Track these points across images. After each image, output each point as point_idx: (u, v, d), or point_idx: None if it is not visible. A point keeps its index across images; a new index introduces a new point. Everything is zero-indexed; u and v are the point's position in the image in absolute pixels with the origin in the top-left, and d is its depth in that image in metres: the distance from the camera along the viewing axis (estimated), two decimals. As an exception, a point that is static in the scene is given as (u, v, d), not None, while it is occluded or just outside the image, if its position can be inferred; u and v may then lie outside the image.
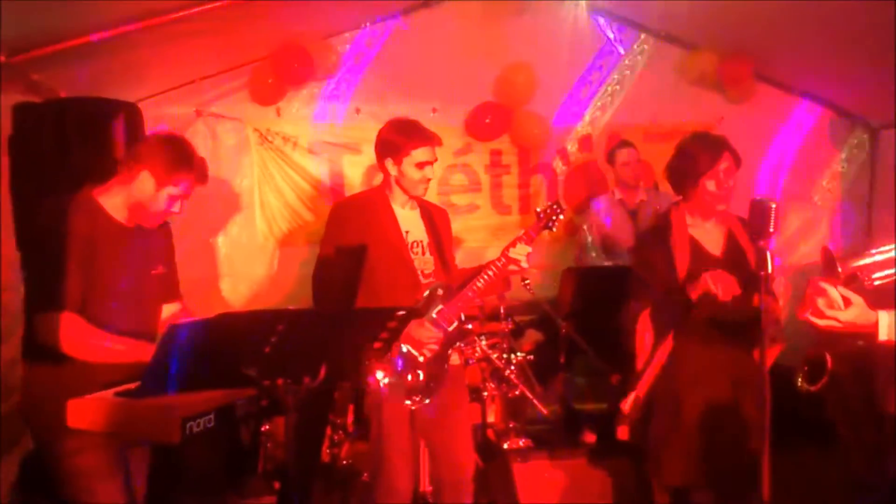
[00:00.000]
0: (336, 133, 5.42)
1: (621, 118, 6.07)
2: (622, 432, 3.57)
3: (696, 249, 3.40)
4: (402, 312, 2.75)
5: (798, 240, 6.22)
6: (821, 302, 2.37)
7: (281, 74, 5.09)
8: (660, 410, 3.41)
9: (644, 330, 3.39)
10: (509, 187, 6.00)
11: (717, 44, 5.80)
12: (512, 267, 3.49)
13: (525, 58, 5.59)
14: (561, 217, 3.57)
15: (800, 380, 4.27)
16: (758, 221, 2.63)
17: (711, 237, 3.47)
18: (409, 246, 3.54)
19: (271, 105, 5.22)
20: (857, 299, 2.39)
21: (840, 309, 2.37)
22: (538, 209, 3.62)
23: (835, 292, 2.36)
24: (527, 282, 4.93)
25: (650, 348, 3.39)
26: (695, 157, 3.39)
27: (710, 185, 3.35)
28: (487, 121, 5.71)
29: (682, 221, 3.46)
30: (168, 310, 3.17)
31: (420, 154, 3.46)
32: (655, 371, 3.40)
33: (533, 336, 5.69)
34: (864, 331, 2.44)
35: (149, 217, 3.00)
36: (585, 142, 6.11)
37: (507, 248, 3.49)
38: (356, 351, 2.84)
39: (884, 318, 2.43)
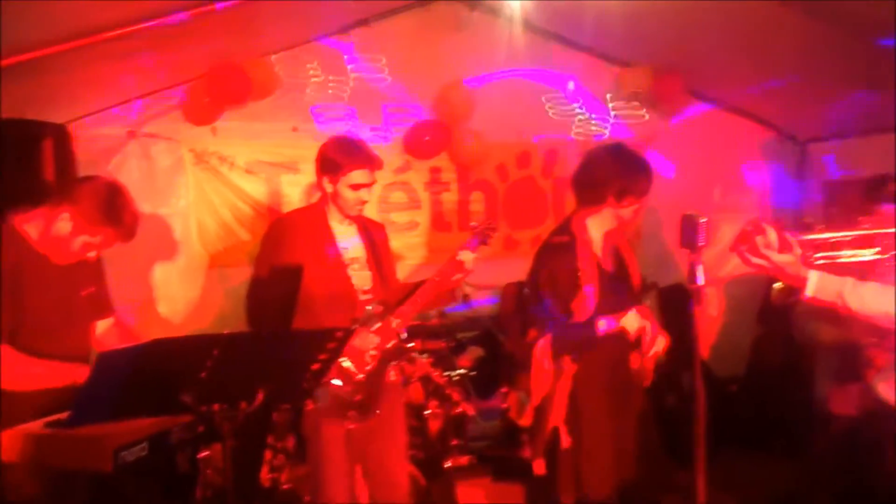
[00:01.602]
0: (273, 152, 5.37)
1: (558, 134, 6.13)
2: (538, 467, 3.55)
3: (598, 266, 3.46)
4: (340, 333, 2.74)
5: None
6: (759, 240, 2.46)
7: (217, 93, 5.03)
8: (571, 433, 3.44)
9: (543, 357, 3.41)
10: (449, 204, 6.01)
11: (649, 61, 5.92)
12: (457, 275, 3.50)
13: (463, 75, 5.62)
14: (495, 232, 3.59)
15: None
16: (688, 236, 2.68)
17: (605, 252, 3.54)
18: (348, 263, 3.53)
19: (207, 125, 5.15)
20: (795, 247, 2.47)
21: (774, 250, 2.45)
22: (472, 224, 3.65)
23: (773, 234, 2.44)
24: (467, 297, 4.97)
25: (551, 376, 3.41)
26: (610, 169, 3.45)
27: (623, 197, 3.43)
28: (426, 139, 5.73)
29: (587, 236, 3.50)
30: (102, 325, 3.13)
31: (357, 176, 3.45)
32: (564, 400, 3.42)
33: (475, 352, 5.70)
34: (792, 282, 2.53)
35: (59, 255, 2.95)
36: (524, 158, 6.17)
37: (451, 257, 3.52)
38: (295, 373, 2.81)
39: (813, 275, 2.52)
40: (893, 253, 2.66)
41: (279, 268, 3.40)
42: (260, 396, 2.61)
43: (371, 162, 3.49)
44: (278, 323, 3.32)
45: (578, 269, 3.40)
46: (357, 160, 3.46)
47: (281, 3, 4.36)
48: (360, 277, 3.56)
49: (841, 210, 3.54)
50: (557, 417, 3.43)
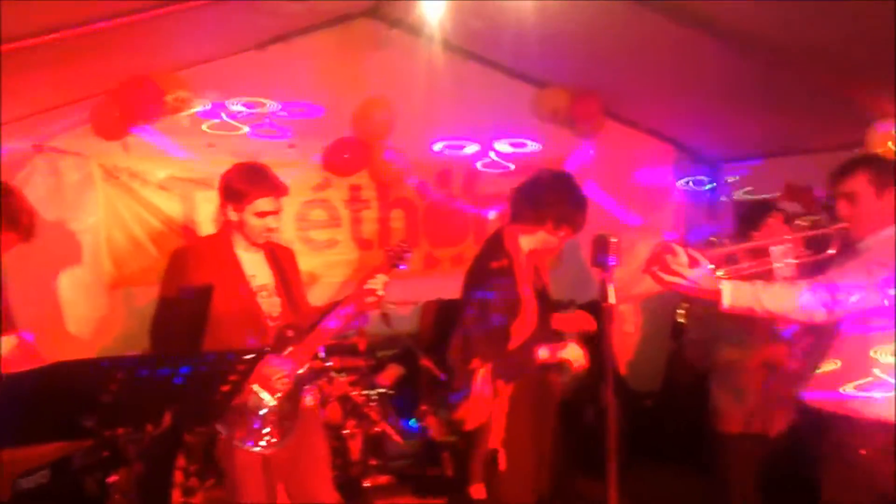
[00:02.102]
0: (188, 168, 5.27)
1: (477, 153, 6.18)
2: (477, 491, 3.53)
3: (533, 287, 3.50)
4: (250, 355, 2.69)
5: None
6: (670, 259, 2.52)
7: (128, 108, 4.91)
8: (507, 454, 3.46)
9: (484, 385, 3.41)
10: (369, 222, 5.99)
11: (567, 81, 6.01)
12: (369, 299, 3.47)
13: (383, 93, 5.62)
14: (409, 254, 3.55)
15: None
16: (600, 255, 2.72)
17: (531, 271, 3.59)
18: (256, 290, 3.46)
19: (117, 140, 5.02)
20: (703, 262, 2.55)
21: (686, 266, 2.52)
22: (386, 247, 3.61)
23: (682, 251, 2.52)
24: (386, 316, 4.94)
25: (490, 403, 3.42)
26: (557, 195, 3.50)
27: (560, 225, 3.48)
28: (346, 156, 5.70)
29: (521, 257, 3.53)
30: (7, 343, 3.01)
31: (262, 204, 3.38)
32: (502, 422, 3.44)
33: (395, 370, 5.68)
34: (707, 296, 2.61)
35: None
36: (444, 176, 6.19)
37: (361, 282, 3.48)
38: (203, 395, 2.74)
39: (726, 286, 2.61)
40: (784, 263, 2.79)
41: (185, 296, 3.29)
42: (167, 419, 2.54)
43: (276, 189, 3.43)
44: (185, 348, 3.23)
45: (518, 293, 3.44)
46: (262, 188, 3.38)
47: (196, 17, 4.28)
48: (269, 304, 3.48)
49: (741, 227, 3.69)
50: (496, 440, 3.44)
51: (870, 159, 3.08)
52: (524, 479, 3.45)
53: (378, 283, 3.44)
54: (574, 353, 3.44)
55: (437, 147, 6.06)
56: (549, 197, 3.52)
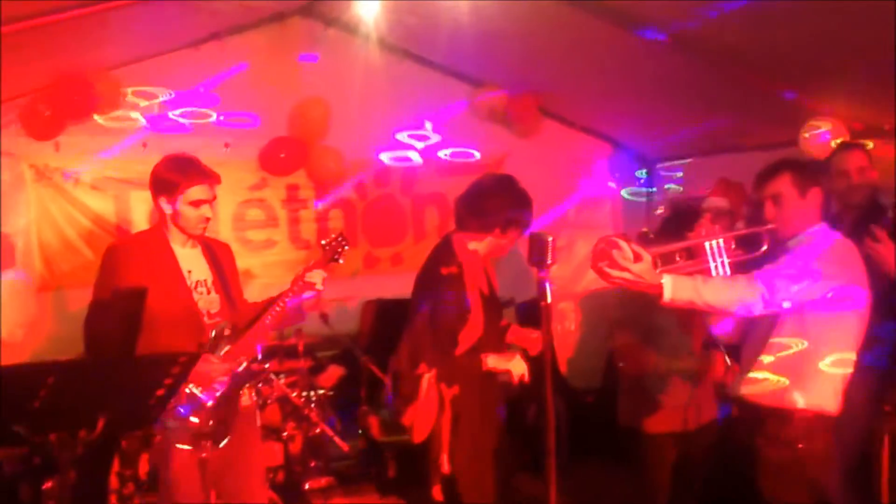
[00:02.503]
0: (121, 168, 5.18)
1: (417, 151, 6.19)
2: (437, 493, 3.56)
3: (487, 296, 3.53)
4: (185, 358, 2.65)
5: (585, 268, 6.54)
6: (616, 253, 2.56)
7: (59, 107, 4.81)
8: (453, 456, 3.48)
9: (431, 389, 3.44)
10: (307, 222, 5.97)
11: (503, 80, 6.05)
12: (308, 293, 3.43)
13: (319, 92, 5.59)
14: (346, 248, 3.52)
15: None
16: (536, 254, 2.74)
17: (486, 278, 3.61)
18: (193, 286, 3.40)
19: (49, 140, 4.91)
20: (646, 256, 2.60)
21: (632, 261, 2.56)
22: (323, 242, 3.56)
23: (627, 246, 2.56)
24: (325, 316, 4.91)
25: (436, 406, 3.46)
26: (501, 201, 3.52)
27: (508, 229, 3.52)
28: (282, 155, 5.66)
29: (472, 264, 3.56)
30: None
31: (196, 192, 3.32)
32: (448, 425, 3.47)
33: (335, 371, 5.65)
34: (651, 290, 2.66)
35: None
36: (383, 176, 6.18)
37: (299, 276, 3.45)
38: (138, 399, 2.70)
39: (667, 279, 2.66)
40: (719, 262, 2.85)
41: (119, 295, 3.22)
42: (101, 424, 2.49)
43: (208, 177, 3.37)
44: (119, 349, 3.16)
45: (467, 300, 3.46)
46: (193, 176, 3.32)
47: (130, 15, 4.21)
48: (207, 301, 3.43)
49: (676, 226, 3.74)
50: (442, 443, 3.47)
51: (791, 162, 3.12)
52: (471, 481, 3.46)
53: (316, 277, 3.41)
54: (518, 367, 3.47)
55: (375, 146, 6.04)
56: (492, 204, 3.53)
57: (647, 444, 3.84)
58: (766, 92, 4.85)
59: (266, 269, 5.73)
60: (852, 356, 3.00)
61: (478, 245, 3.58)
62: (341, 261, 3.50)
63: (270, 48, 5.42)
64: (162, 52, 5.17)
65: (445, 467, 3.46)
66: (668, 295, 2.70)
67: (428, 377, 3.43)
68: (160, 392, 2.66)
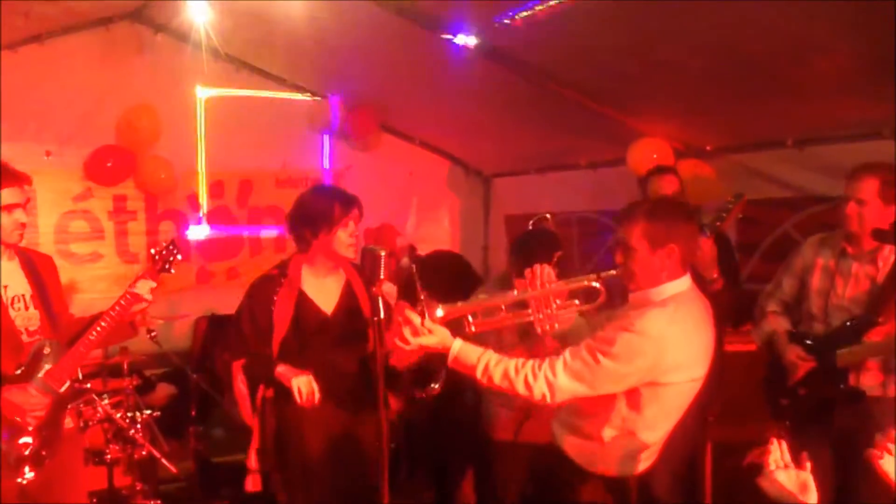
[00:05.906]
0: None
1: (251, 163, 6.08)
2: (253, 483, 3.51)
3: (305, 307, 3.45)
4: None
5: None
6: (407, 330, 2.58)
7: None
8: (289, 456, 3.43)
9: (238, 379, 3.45)
10: (136, 234, 5.73)
11: (342, 94, 6.03)
12: (137, 306, 3.25)
13: (148, 99, 5.40)
14: (178, 257, 3.37)
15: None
16: (369, 269, 2.73)
17: (328, 292, 3.54)
18: (9, 302, 3.17)
19: None
20: (439, 329, 2.61)
21: (425, 335, 2.59)
22: (152, 250, 3.39)
23: (418, 320, 2.57)
24: (153, 333, 4.70)
25: (248, 396, 3.47)
26: (328, 207, 3.44)
27: (343, 235, 3.43)
28: (109, 164, 5.42)
29: (298, 275, 3.50)
30: None
31: (7, 196, 3.07)
32: (271, 421, 3.42)
33: (165, 390, 5.44)
34: (445, 351, 2.68)
35: None
36: (217, 187, 6.02)
37: (126, 290, 3.27)
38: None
39: (455, 345, 2.67)
40: (542, 314, 2.79)
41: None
42: None
43: (18, 178, 3.14)
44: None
45: (276, 302, 3.40)
46: (4, 179, 3.11)
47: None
48: (25, 317, 3.20)
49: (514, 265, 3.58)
50: (266, 439, 3.45)
51: (647, 210, 2.72)
52: (299, 479, 3.42)
53: (144, 288, 3.23)
54: (303, 385, 3.29)
55: (211, 157, 5.88)
56: (315, 211, 3.47)
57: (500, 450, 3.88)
58: (591, 111, 5.01)
59: (92, 284, 5.47)
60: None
61: (313, 269, 3.50)
62: (172, 270, 3.32)
63: (96, 52, 5.20)
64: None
65: (252, 463, 3.50)
66: (450, 359, 2.67)
67: (235, 366, 3.45)
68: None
